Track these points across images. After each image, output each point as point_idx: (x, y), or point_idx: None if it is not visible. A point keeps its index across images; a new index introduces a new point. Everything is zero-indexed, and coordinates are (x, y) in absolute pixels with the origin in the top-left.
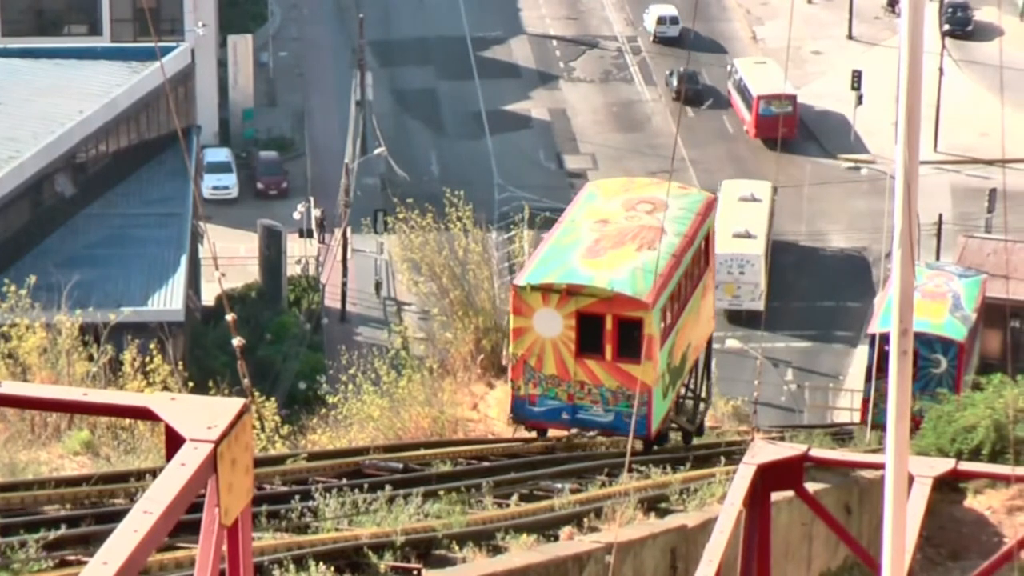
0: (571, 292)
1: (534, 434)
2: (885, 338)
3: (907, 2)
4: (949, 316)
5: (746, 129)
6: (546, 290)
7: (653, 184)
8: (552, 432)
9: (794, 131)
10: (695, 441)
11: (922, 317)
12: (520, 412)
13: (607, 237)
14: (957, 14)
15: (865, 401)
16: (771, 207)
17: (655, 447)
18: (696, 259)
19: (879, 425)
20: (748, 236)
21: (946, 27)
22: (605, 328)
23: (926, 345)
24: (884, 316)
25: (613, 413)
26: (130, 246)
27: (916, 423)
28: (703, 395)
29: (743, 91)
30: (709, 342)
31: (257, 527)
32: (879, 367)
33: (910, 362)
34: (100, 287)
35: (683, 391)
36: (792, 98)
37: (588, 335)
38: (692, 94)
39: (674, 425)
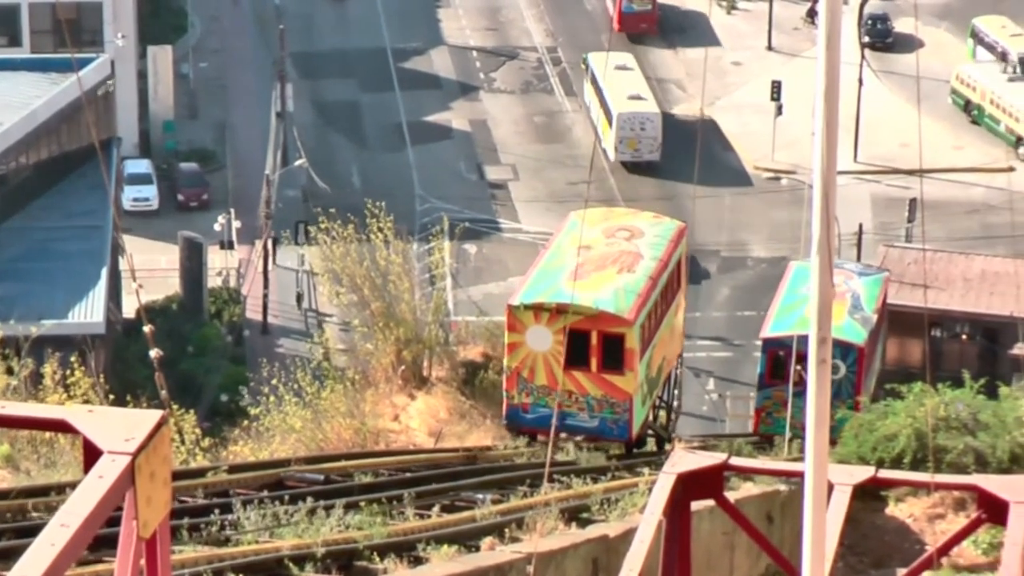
0: (560, 310)
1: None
2: (775, 342)
3: (824, 12)
4: (848, 318)
5: (612, 24)
6: (537, 309)
7: (630, 214)
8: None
9: (653, 28)
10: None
11: None
12: (513, 419)
13: (590, 261)
14: (877, 26)
15: (758, 411)
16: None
17: (634, 450)
18: (670, 281)
19: (773, 436)
20: (640, 98)
21: (866, 39)
22: (591, 343)
23: None
24: (775, 321)
25: (598, 419)
26: (51, 259)
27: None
28: (675, 405)
29: None
30: (680, 356)
31: (177, 540)
32: (770, 374)
33: (828, 370)
34: (21, 300)
35: (657, 401)
36: None
37: (576, 349)
38: None
39: (649, 431)
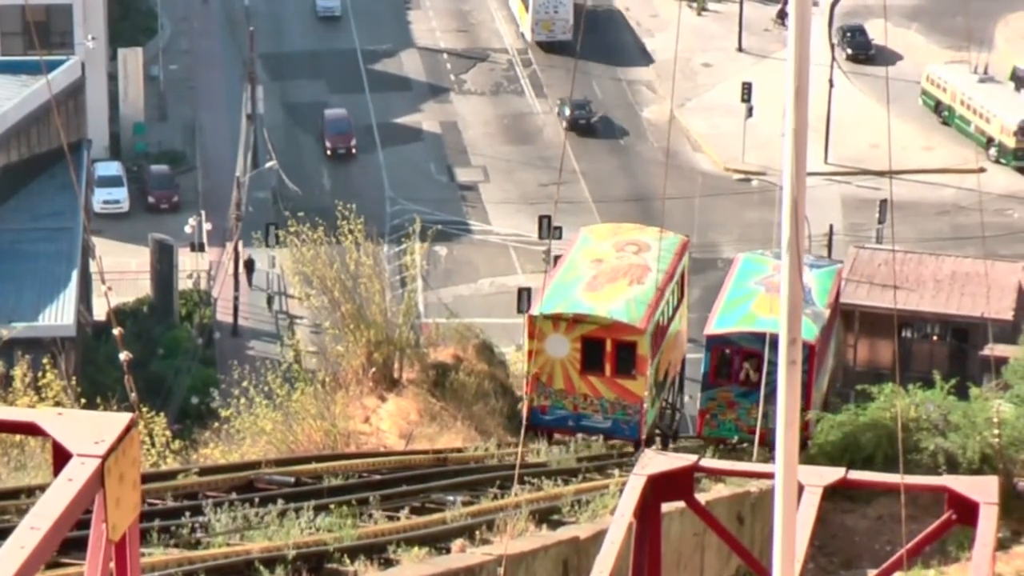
0: (577, 320)
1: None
2: (720, 340)
3: (794, 14)
4: None
5: None
6: (556, 319)
7: (637, 229)
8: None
9: None
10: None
11: (769, 315)
12: (533, 420)
13: (603, 274)
14: (856, 37)
15: (702, 412)
16: None
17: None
18: (675, 292)
19: (718, 439)
20: None
21: (848, 51)
22: (605, 349)
23: (773, 347)
24: (720, 317)
25: (611, 420)
26: (21, 261)
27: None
28: (678, 406)
29: None
30: (682, 362)
31: (148, 543)
32: (715, 373)
33: (799, 371)
34: None
35: (663, 403)
36: None
37: (591, 355)
38: None
39: (656, 431)
